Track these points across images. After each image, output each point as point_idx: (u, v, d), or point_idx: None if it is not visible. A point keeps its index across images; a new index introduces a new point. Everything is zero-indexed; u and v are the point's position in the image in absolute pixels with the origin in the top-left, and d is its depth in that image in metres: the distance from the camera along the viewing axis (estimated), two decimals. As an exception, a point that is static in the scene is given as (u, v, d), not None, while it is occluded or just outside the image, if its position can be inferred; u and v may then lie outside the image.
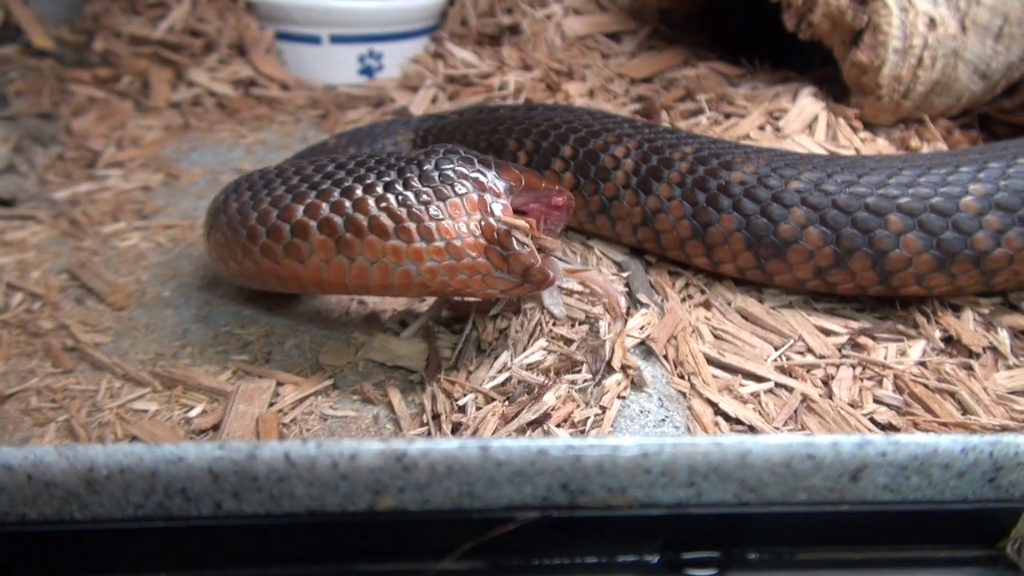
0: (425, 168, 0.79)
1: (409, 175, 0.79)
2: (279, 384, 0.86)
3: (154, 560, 0.43)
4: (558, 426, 0.73)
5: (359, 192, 0.79)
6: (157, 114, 1.62)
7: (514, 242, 0.75)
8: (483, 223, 0.76)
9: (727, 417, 0.81)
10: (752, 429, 0.80)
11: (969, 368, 0.89)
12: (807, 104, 1.41)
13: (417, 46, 1.91)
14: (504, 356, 0.87)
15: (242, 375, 0.88)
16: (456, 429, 0.79)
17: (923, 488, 0.45)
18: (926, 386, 0.86)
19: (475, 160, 0.80)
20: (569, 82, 1.65)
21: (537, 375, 0.84)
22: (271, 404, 0.83)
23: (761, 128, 1.40)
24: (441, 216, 0.77)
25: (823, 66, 1.59)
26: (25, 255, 1.12)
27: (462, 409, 0.81)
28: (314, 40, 1.83)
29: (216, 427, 0.80)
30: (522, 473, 0.43)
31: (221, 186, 1.34)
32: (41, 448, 0.40)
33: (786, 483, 0.44)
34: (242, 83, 1.75)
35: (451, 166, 0.79)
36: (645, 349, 0.89)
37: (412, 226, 0.76)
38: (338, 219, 0.78)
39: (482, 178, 0.78)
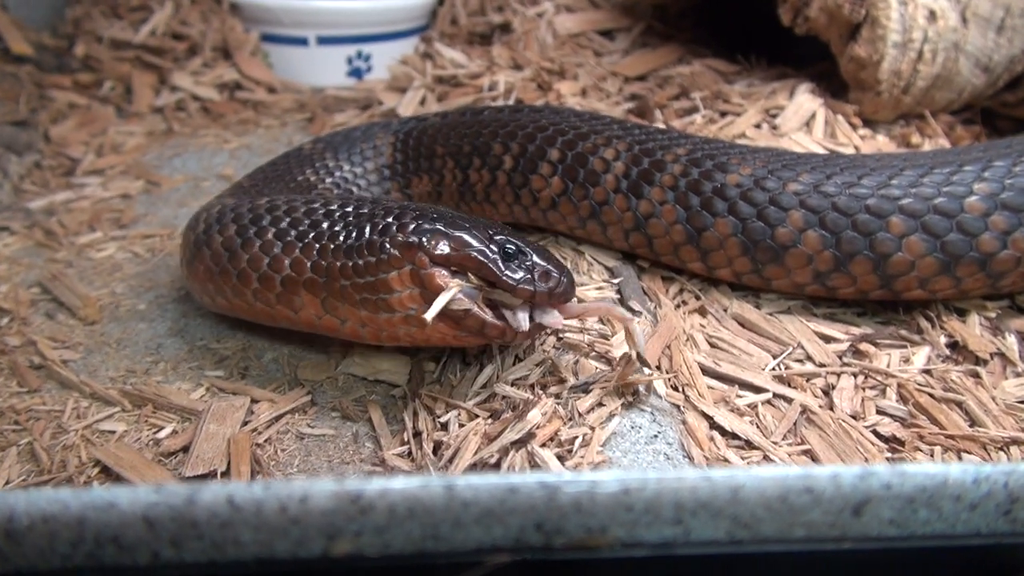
0: (377, 236, 0.77)
1: (372, 238, 0.78)
2: (254, 401, 0.83)
3: (87, 614, 0.39)
4: (543, 446, 0.69)
5: (330, 256, 0.79)
6: (139, 120, 1.58)
7: (456, 307, 0.73)
8: (423, 294, 0.75)
9: (723, 431, 0.77)
10: (749, 444, 0.76)
11: (976, 376, 0.85)
12: (804, 101, 1.37)
13: (407, 46, 1.88)
14: (488, 370, 0.83)
15: (215, 392, 0.85)
16: (437, 448, 0.75)
17: (932, 522, 0.41)
18: (931, 396, 0.82)
19: (410, 231, 0.76)
20: (561, 81, 1.61)
21: (523, 391, 0.80)
22: (244, 423, 0.80)
23: (757, 126, 1.36)
24: (392, 290, 0.76)
25: (820, 61, 1.55)
26: (-4, 268, 1.09)
27: (444, 427, 0.77)
28: (301, 42, 1.80)
29: (186, 448, 0.76)
30: (491, 513, 0.39)
31: (203, 193, 1.31)
32: (-44, 495, 0.36)
33: (782, 519, 0.40)
34: (227, 87, 1.72)
35: (389, 237, 0.77)
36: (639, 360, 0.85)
37: (375, 299, 0.77)
38: (320, 280, 0.80)
39: (416, 248, 0.75)
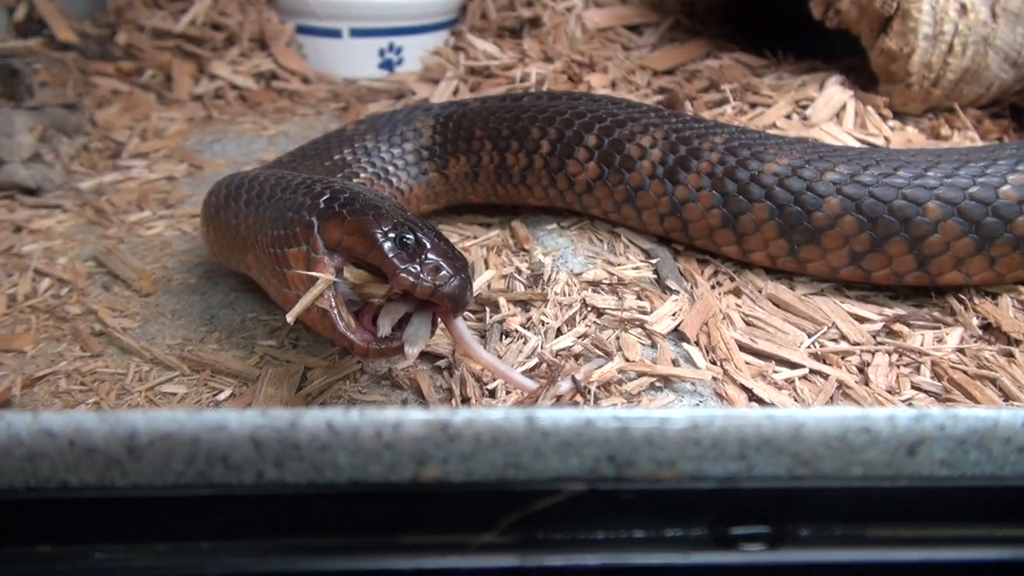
0: (292, 212, 0.77)
1: (288, 214, 0.78)
2: (307, 368, 0.86)
3: (195, 528, 0.42)
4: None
5: (267, 224, 0.80)
6: (180, 106, 1.62)
7: (320, 304, 0.70)
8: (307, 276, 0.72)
9: (762, 403, 0.80)
10: (788, 415, 0.78)
11: (1010, 355, 0.87)
12: (835, 93, 1.39)
13: (437, 40, 1.91)
14: (533, 340, 0.86)
15: (269, 360, 0.88)
16: (487, 413, 0.78)
17: (982, 463, 0.43)
18: (965, 372, 0.84)
19: (313, 211, 0.74)
20: (591, 74, 1.63)
21: (566, 362, 0.83)
22: (299, 388, 0.83)
23: (788, 117, 1.38)
24: (290, 265, 0.74)
25: (849, 55, 1.57)
26: (52, 243, 1.12)
27: (492, 394, 0.80)
28: (334, 34, 1.83)
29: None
30: (568, 444, 0.42)
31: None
32: (83, 414, 0.39)
33: (841, 457, 0.43)
34: (263, 76, 1.76)
35: (298, 213, 0.76)
36: (678, 335, 0.88)
37: (281, 271, 0.76)
38: (257, 245, 0.82)
39: (309, 228, 0.73)
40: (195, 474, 0.41)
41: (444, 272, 0.70)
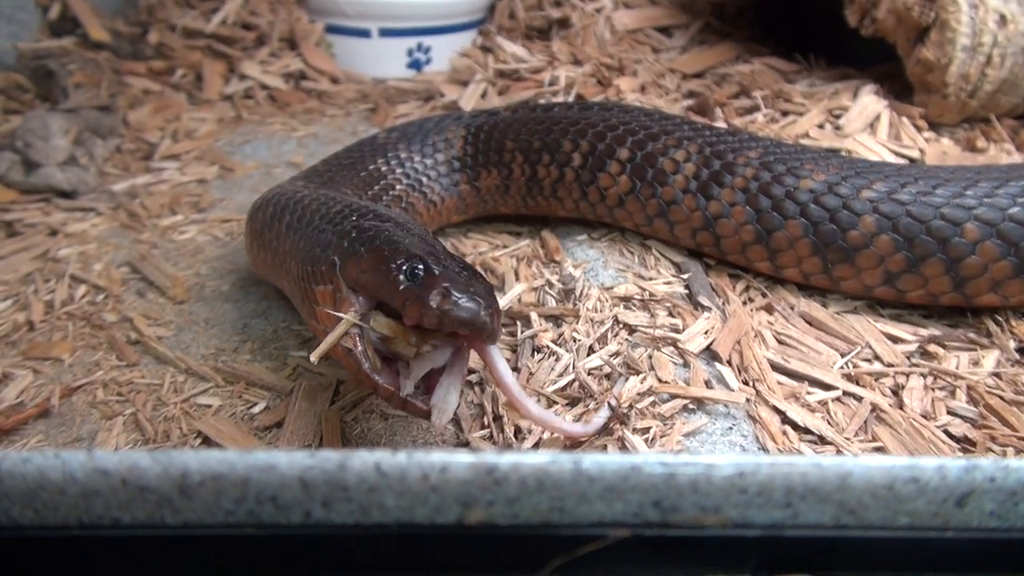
0: (320, 249, 0.77)
1: (315, 251, 0.78)
2: (340, 382, 0.86)
3: (243, 568, 0.43)
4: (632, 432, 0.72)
5: (300, 253, 0.80)
6: (210, 107, 1.63)
7: (348, 341, 0.68)
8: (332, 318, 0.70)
9: (795, 426, 0.79)
10: (822, 439, 0.78)
11: (1047, 381, 0.86)
12: (869, 102, 1.38)
13: (465, 39, 1.90)
14: (566, 359, 0.86)
15: (302, 372, 0.88)
16: (518, 432, 0.78)
17: (1032, 515, 0.43)
18: (1002, 398, 0.83)
19: (337, 250, 0.73)
20: (620, 77, 1.62)
21: (598, 381, 0.83)
22: (332, 402, 0.83)
23: (820, 127, 1.37)
24: (318, 302, 0.74)
25: (883, 62, 1.55)
26: (87, 247, 1.14)
27: (524, 413, 0.80)
28: (364, 33, 1.83)
29: (279, 424, 0.80)
30: (614, 489, 0.42)
31: (274, 180, 1.35)
32: (136, 453, 0.40)
33: (888, 506, 0.43)
34: (292, 76, 1.76)
35: (324, 251, 0.75)
36: (710, 354, 0.87)
37: (310, 307, 0.76)
38: (290, 273, 0.83)
39: (331, 268, 0.72)
40: (244, 513, 0.41)
41: (454, 297, 0.66)
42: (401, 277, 0.68)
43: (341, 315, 0.69)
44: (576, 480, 0.42)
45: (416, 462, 0.41)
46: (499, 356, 0.69)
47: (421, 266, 0.68)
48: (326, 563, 0.43)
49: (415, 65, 1.88)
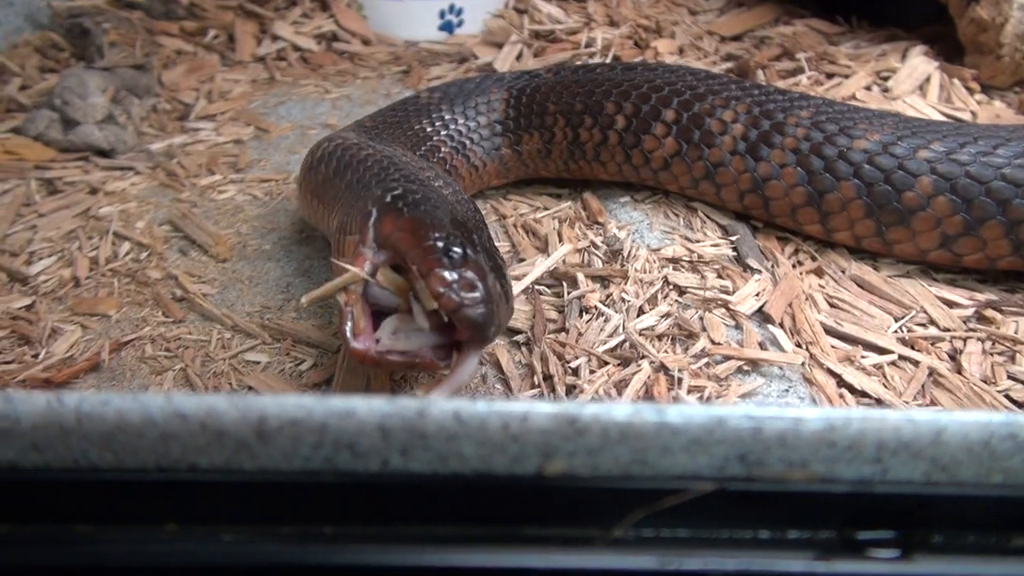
0: (359, 200, 0.78)
1: (355, 201, 0.79)
2: (387, 341, 0.85)
3: (319, 513, 0.42)
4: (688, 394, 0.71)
5: (345, 200, 0.83)
6: (243, 68, 1.61)
7: (346, 295, 0.67)
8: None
9: (852, 389, 0.78)
10: (880, 402, 0.76)
11: (1110, 347, 0.83)
12: (919, 63, 1.34)
13: (497, 1, 1.87)
14: (616, 319, 0.84)
15: (348, 330, 0.88)
16: (570, 391, 0.77)
17: None
18: (1063, 364, 0.81)
19: (377, 202, 0.73)
20: (658, 39, 1.59)
21: (651, 341, 0.81)
22: (380, 360, 0.83)
23: (868, 88, 1.33)
24: (348, 251, 0.74)
25: (930, 23, 1.50)
26: (127, 205, 1.13)
27: (575, 372, 0.79)
28: (396, -6, 1.80)
29: (328, 381, 0.80)
30: (699, 442, 0.41)
31: (310, 141, 1.34)
32: (214, 397, 0.39)
33: (982, 463, 0.41)
34: (324, 37, 1.74)
35: (362, 201, 0.76)
36: (762, 316, 0.86)
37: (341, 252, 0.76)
38: (334, 217, 0.85)
39: (365, 219, 0.71)
40: (321, 460, 0.41)
41: (477, 294, 0.64)
42: (435, 246, 0.67)
43: (348, 267, 0.68)
44: (660, 432, 0.41)
45: (496, 411, 0.40)
46: (475, 362, 0.67)
47: (459, 248, 0.67)
48: (402, 512, 0.43)
49: (447, 27, 1.85)
